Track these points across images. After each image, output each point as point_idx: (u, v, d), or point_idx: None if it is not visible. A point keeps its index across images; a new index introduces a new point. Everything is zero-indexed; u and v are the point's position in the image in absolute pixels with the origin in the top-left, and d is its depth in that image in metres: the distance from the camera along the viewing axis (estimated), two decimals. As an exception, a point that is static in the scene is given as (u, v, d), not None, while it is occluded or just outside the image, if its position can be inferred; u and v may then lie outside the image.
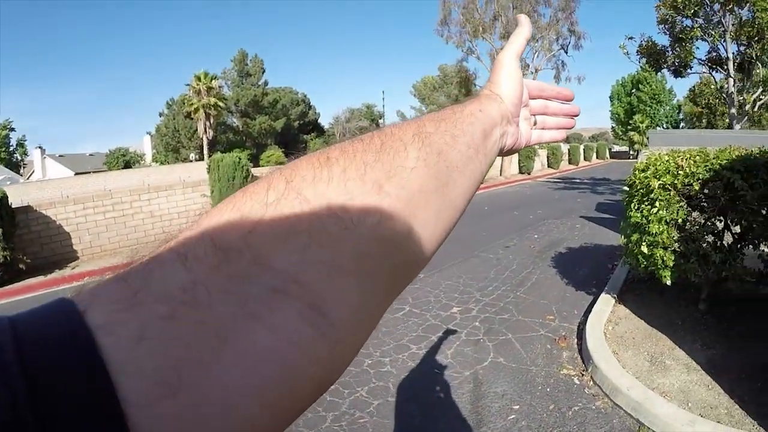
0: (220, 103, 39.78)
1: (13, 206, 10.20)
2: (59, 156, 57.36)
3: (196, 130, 41.76)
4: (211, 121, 39.50)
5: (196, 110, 38.94)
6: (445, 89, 56.50)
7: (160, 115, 51.23)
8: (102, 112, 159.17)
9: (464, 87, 33.87)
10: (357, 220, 0.36)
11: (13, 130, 68.73)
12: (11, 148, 68.86)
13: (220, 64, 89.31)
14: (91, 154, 60.10)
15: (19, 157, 68.77)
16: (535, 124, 0.75)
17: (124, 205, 11.99)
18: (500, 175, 27.80)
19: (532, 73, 28.75)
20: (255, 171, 14.49)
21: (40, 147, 57.09)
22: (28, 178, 53.30)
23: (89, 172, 41.10)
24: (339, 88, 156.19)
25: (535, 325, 5.27)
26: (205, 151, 39.32)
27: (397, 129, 0.46)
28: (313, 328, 0.32)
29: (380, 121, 66.11)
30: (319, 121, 58.54)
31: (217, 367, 0.28)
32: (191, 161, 43.06)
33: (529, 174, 29.32)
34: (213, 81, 40.16)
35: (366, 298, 0.36)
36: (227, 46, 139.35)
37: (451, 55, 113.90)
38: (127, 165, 43.48)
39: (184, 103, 41.56)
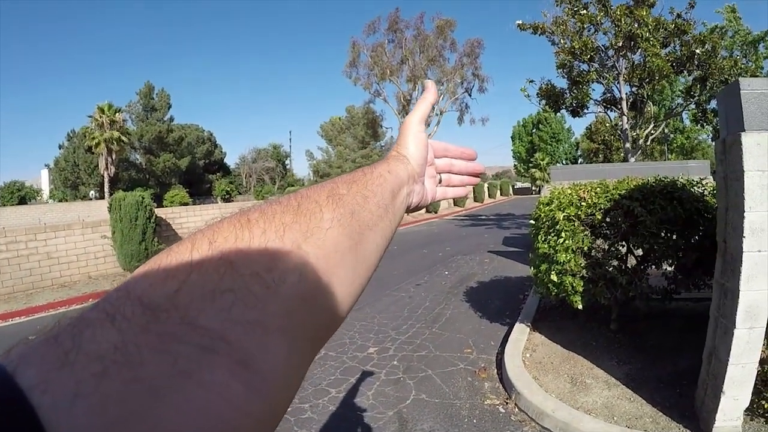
0: (124, 138, 37.54)
1: None
2: None
3: (97, 165, 39.14)
4: (114, 157, 37.10)
5: (98, 144, 36.32)
6: (352, 130, 57.24)
7: (60, 147, 47.85)
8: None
9: (371, 128, 34.55)
10: (279, 279, 0.38)
11: None
12: None
13: (125, 96, 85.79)
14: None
15: None
16: (440, 182, 0.81)
17: (19, 244, 11.20)
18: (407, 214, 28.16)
19: (437, 114, 29.79)
20: (159, 211, 13.93)
21: None
22: None
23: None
24: (246, 127, 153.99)
25: (453, 360, 5.30)
26: (106, 189, 36.92)
27: (312, 191, 0.49)
28: (244, 383, 0.33)
29: (287, 161, 65.82)
30: (225, 160, 57.46)
31: (152, 423, 0.28)
32: (91, 199, 40.54)
33: (435, 213, 30.03)
34: (117, 114, 37.89)
35: (292, 353, 0.38)
36: (133, 77, 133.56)
37: (359, 97, 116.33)
38: (23, 201, 40.48)
39: (85, 136, 38.80)
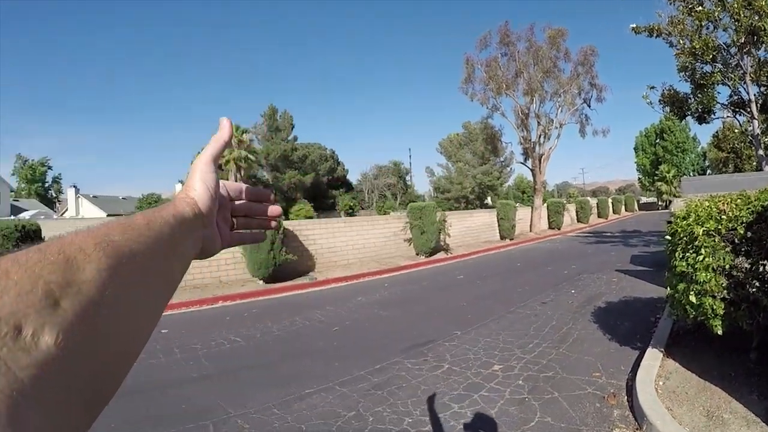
0: (251, 156, 40.62)
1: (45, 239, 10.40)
2: (93, 197, 58.87)
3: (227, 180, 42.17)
4: (242, 174, 40.26)
5: (227, 162, 39.71)
6: (471, 146, 56.94)
7: (191, 163, 52.60)
8: (135, 157, 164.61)
9: (490, 143, 33.97)
10: (32, 338, 0.34)
11: (50, 168, 71.56)
12: (47, 185, 71.18)
13: (250, 118, 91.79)
14: (123, 198, 61.67)
15: (54, 194, 70.94)
16: (233, 226, 0.78)
17: None
18: (530, 231, 27.58)
19: (557, 127, 28.79)
20: (286, 223, 14.66)
21: (74, 186, 58.81)
22: (62, 215, 54.48)
23: (121, 215, 41.60)
24: (366, 145, 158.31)
25: (581, 383, 5.04)
26: None
27: (79, 237, 0.44)
28: None
29: (407, 177, 66.62)
30: (347, 177, 59.33)
31: None
32: (221, 213, 43.57)
33: (558, 229, 29.09)
34: (244, 134, 41.22)
35: (55, 420, 0.35)
36: (257, 101, 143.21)
37: (477, 112, 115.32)
38: (158, 211, 44.10)
39: None
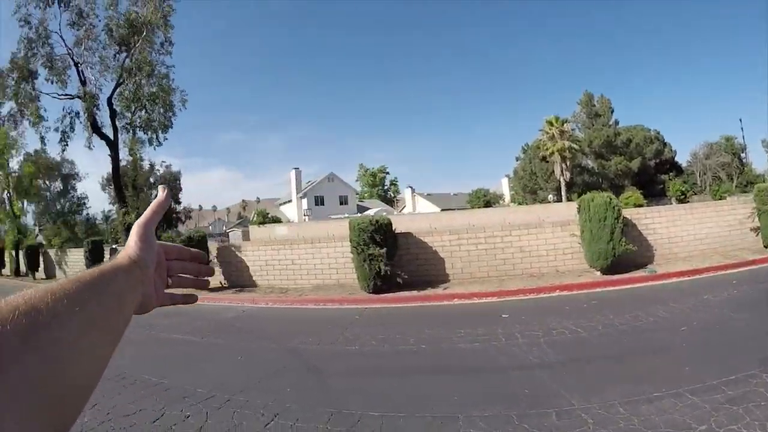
0: (574, 146, 39.75)
1: (396, 231, 11.54)
2: (427, 194, 64.50)
3: (552, 172, 42.41)
4: (567, 164, 39.75)
5: (551, 153, 39.82)
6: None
7: (516, 159, 54.72)
8: (462, 158, 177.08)
9: None
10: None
11: (387, 173, 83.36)
12: (385, 187, 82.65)
13: (566, 108, 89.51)
14: (454, 194, 66.03)
15: (392, 195, 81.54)
16: (168, 285, 0.82)
17: (495, 239, 12.73)
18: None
19: None
20: (625, 212, 13.41)
21: (410, 187, 66.08)
22: (400, 212, 61.12)
23: (453, 209, 44.71)
24: (691, 120, 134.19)
25: None
26: (563, 193, 39.85)
27: (40, 292, 0.51)
28: None
29: (742, 155, 55.04)
30: (675, 159, 52.33)
31: None
32: (549, 202, 43.50)
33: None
34: (564, 124, 40.67)
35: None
36: (572, 91, 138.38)
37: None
38: (488, 204, 46.00)
39: (538, 148, 43.14)
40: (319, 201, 63.22)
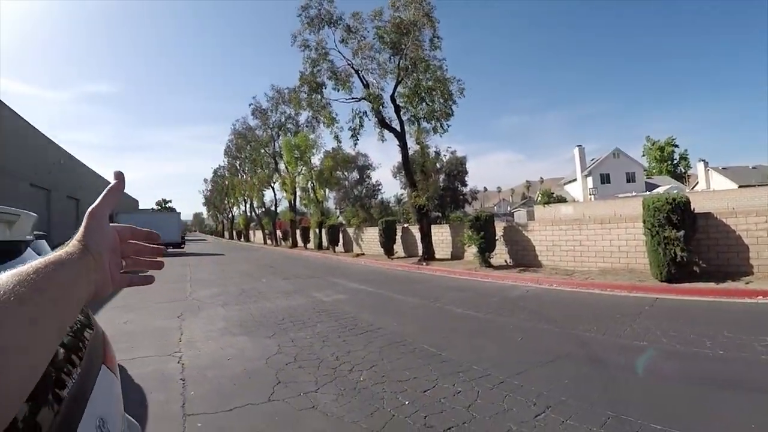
0: None
1: (695, 211, 10.27)
2: (722, 168, 56.85)
3: None
4: None
5: None
6: None
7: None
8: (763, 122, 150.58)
9: None
10: None
11: (676, 146, 74.20)
12: (674, 162, 74.03)
13: None
14: (753, 167, 56.79)
15: (682, 170, 73.04)
16: (123, 266, 0.82)
17: None
18: None
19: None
20: None
21: (703, 160, 58.58)
22: (692, 189, 54.91)
23: (753, 185, 38.83)
24: None
25: None
26: None
27: None
28: None
29: None
30: None
31: None
32: None
33: None
34: None
35: None
36: None
37: None
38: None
39: None
40: (605, 179, 60.42)
